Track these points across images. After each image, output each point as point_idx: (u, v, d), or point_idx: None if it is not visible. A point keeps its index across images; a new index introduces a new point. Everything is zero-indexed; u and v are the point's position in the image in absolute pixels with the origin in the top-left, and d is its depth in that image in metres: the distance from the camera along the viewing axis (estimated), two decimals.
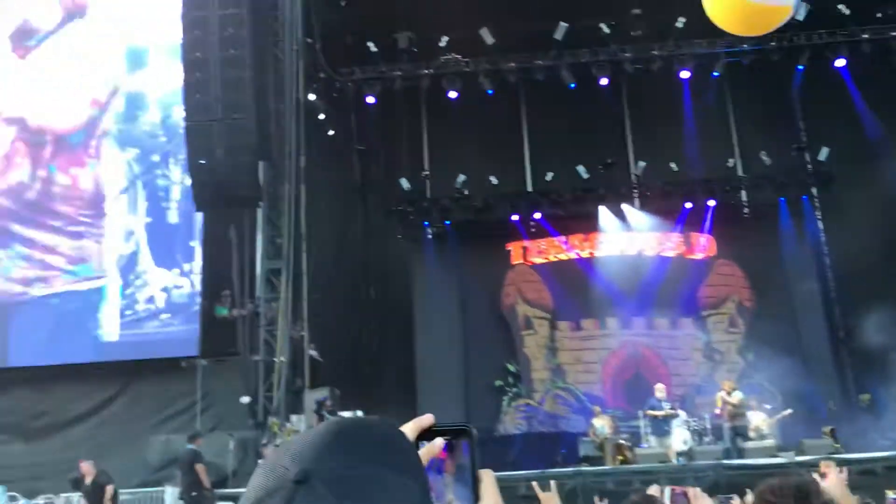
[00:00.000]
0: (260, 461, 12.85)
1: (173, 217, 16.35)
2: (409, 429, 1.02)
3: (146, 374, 15.35)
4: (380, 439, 0.90)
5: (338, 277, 17.85)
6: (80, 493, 12.15)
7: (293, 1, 15.10)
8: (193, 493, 11.80)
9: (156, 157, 16.44)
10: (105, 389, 15.60)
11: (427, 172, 18.79)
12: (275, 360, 14.09)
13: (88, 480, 11.59)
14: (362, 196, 19.63)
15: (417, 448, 1.01)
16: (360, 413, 18.42)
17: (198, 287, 15.61)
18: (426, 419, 1.04)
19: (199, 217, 15.59)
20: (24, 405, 15.55)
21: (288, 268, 14.49)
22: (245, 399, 14.08)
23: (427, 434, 1.04)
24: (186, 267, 15.84)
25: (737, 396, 13.70)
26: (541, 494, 4.46)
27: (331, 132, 18.05)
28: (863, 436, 13.94)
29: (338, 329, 17.68)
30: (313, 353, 15.37)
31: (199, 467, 11.86)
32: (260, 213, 15.14)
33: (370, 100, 17.48)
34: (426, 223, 18.86)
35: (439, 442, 1.03)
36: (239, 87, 12.70)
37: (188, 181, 15.06)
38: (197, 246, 15.86)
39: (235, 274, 14.78)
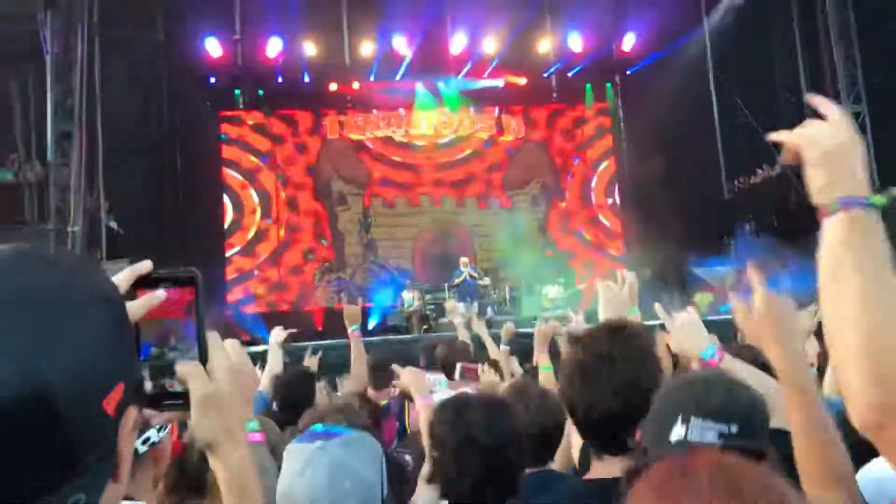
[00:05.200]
0: None
1: None
2: (124, 278, 0.91)
3: None
4: (60, 266, 0.74)
5: (141, 145, 16.76)
6: None
7: None
8: None
9: None
10: None
11: (238, 37, 17.75)
12: (68, 229, 13.20)
13: None
14: (168, 59, 18.25)
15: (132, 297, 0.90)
16: None
17: None
18: (144, 265, 0.94)
19: None
20: None
21: (81, 131, 13.40)
22: None
23: (148, 282, 0.94)
24: None
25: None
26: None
27: None
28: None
29: (141, 200, 16.75)
30: (112, 224, 14.55)
31: None
32: (49, 68, 13.72)
33: None
34: (237, 91, 18.06)
35: (161, 293, 0.92)
36: None
37: None
38: None
39: (20, 135, 13.48)
